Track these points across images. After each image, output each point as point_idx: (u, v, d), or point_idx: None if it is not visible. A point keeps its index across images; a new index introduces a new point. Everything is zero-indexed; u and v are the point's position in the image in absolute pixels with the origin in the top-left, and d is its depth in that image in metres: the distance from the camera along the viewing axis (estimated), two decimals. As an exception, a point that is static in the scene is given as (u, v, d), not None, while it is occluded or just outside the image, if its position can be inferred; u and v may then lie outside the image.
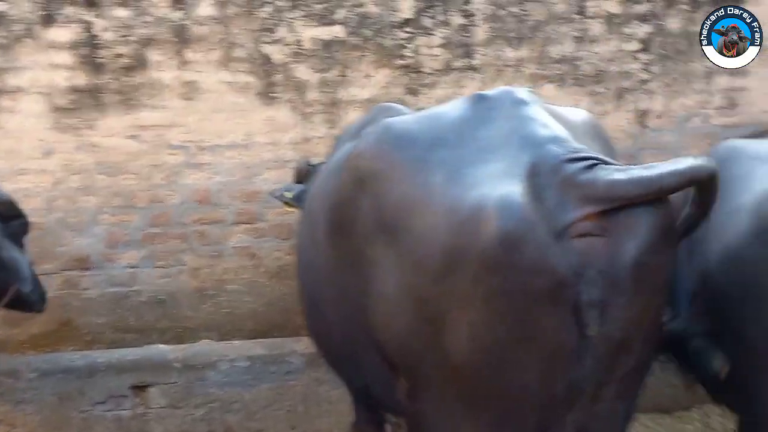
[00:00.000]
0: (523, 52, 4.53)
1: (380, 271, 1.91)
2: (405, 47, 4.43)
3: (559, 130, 1.80)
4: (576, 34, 4.56)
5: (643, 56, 4.64)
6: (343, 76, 4.40)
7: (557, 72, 4.58)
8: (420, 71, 4.46)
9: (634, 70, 4.65)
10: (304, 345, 3.80)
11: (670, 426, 4.39)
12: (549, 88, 4.55)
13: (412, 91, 4.45)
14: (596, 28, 4.58)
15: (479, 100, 1.95)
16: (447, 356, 1.76)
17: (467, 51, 4.49)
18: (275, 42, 4.33)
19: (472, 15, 4.46)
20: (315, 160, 3.44)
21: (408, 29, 4.43)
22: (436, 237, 1.75)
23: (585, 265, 1.61)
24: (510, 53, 4.52)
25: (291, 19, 4.31)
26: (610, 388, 1.74)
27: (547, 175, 1.67)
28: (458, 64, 4.49)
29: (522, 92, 1.94)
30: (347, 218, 2.05)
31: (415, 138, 1.93)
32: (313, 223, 2.35)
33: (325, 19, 4.35)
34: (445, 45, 4.47)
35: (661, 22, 4.62)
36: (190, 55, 4.25)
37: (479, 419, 1.76)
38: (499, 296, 1.66)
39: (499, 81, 4.49)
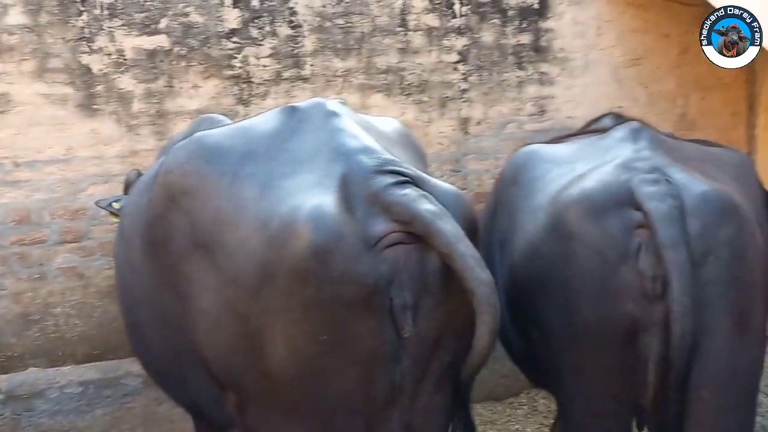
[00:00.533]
0: (351, 62, 4.67)
1: (197, 288, 1.93)
2: (233, 57, 4.42)
3: (369, 141, 1.90)
4: (399, 45, 4.77)
5: (462, 67, 4.94)
6: (169, 86, 4.31)
7: (384, 82, 4.76)
8: (250, 81, 4.47)
9: (454, 80, 4.93)
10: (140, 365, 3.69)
11: (502, 412, 4.72)
12: (377, 98, 4.73)
13: (244, 102, 4.45)
14: (418, 40, 4.81)
15: (290, 112, 2.01)
16: (268, 370, 1.80)
17: (296, 61, 4.55)
18: (94, 52, 4.16)
19: (299, 26, 4.54)
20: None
21: (235, 39, 4.42)
22: (250, 251, 1.78)
23: (395, 271, 1.72)
24: (338, 64, 4.64)
25: (111, 28, 4.16)
26: (428, 384, 1.85)
27: (358, 186, 1.76)
28: (288, 74, 4.54)
29: (333, 104, 2.02)
30: (161, 236, 2.04)
31: (226, 152, 1.95)
32: (128, 241, 2.31)
33: (147, 29, 4.24)
34: (274, 55, 4.50)
35: (476, 35, 4.94)
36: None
37: (306, 428, 1.82)
38: (314, 308, 1.72)
39: (330, 91, 4.61)
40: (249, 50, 4.45)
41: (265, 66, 4.49)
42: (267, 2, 4.45)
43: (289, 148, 1.91)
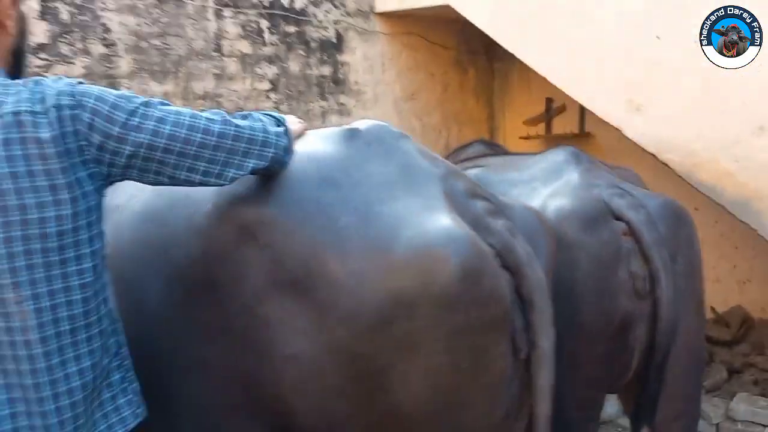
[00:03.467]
0: (168, 86, 4.37)
1: (282, 333, 1.67)
2: (42, 76, 3.82)
3: (450, 164, 1.93)
4: (216, 71, 4.61)
5: (273, 95, 4.95)
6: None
7: (201, 108, 4.54)
8: (61, 104, 3.90)
9: (267, 108, 4.91)
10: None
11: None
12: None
13: (54, 127, 3.86)
14: (233, 66, 4.70)
15: (353, 134, 1.91)
16: (391, 410, 1.68)
17: (112, 83, 4.11)
18: None
19: (114, 44, 4.11)
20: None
21: (44, 56, 3.83)
22: (369, 283, 1.61)
23: (512, 292, 1.77)
24: (155, 87, 4.31)
25: None
26: (526, 408, 1.86)
27: (460, 208, 1.77)
28: (103, 97, 4.07)
29: (392, 126, 1.98)
30: (224, 276, 1.73)
31: (299, 178, 1.73)
32: (134, 289, 1.92)
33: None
34: (88, 75, 4.01)
35: (284, 65, 5.00)
36: None
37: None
38: (459, 334, 1.64)
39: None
40: (59, 68, 3.89)
41: (77, 87, 3.96)
42: (78, 16, 3.95)
43: (370, 171, 1.79)
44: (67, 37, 3.92)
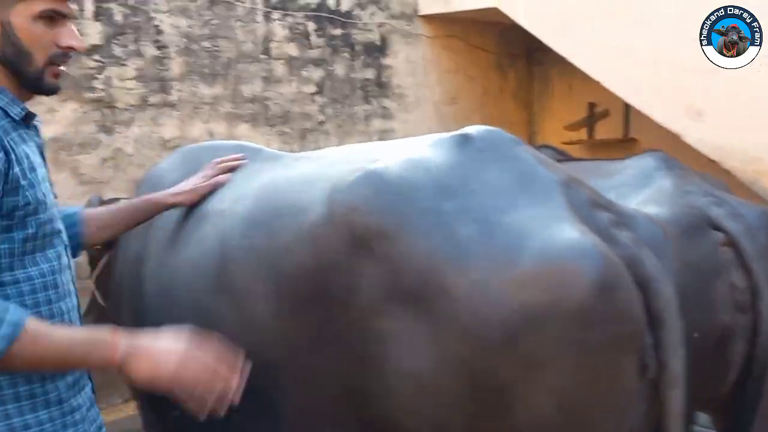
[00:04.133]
0: (218, 89, 4.32)
1: (398, 347, 1.59)
2: (95, 78, 3.78)
3: (563, 170, 1.84)
4: (263, 74, 4.56)
5: (318, 98, 4.89)
6: (18, 109, 3.51)
7: (249, 111, 4.50)
8: (114, 106, 3.86)
9: (313, 112, 4.86)
10: None
11: None
12: (243, 128, 4.45)
13: (107, 130, 3.81)
14: (280, 69, 4.65)
15: (464, 140, 1.82)
16: (514, 427, 1.62)
17: (163, 85, 4.06)
18: None
19: (165, 47, 4.07)
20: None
21: (97, 57, 3.79)
22: (494, 296, 1.52)
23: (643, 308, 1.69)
24: (205, 90, 4.26)
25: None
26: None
27: (585, 219, 1.69)
28: (154, 99, 4.03)
29: (504, 131, 1.88)
30: (337, 288, 1.65)
31: (416, 187, 1.64)
32: (239, 293, 1.86)
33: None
34: (140, 77, 3.96)
35: (330, 68, 4.94)
36: None
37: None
38: (592, 351, 1.55)
39: (197, 119, 4.20)
40: (112, 70, 3.84)
41: (130, 89, 3.92)
42: (132, 17, 3.91)
43: (486, 179, 1.72)
44: (120, 38, 3.88)
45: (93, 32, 3.75)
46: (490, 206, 1.65)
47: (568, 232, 1.59)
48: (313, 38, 4.82)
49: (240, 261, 1.85)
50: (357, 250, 1.63)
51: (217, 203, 2.03)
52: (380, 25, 5.24)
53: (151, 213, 2.05)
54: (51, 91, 1.55)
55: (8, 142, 1.43)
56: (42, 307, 1.49)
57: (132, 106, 3.93)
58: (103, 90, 3.81)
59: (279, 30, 4.62)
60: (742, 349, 2.31)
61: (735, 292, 2.26)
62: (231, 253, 1.87)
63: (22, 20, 1.47)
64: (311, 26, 4.80)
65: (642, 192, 2.48)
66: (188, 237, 2.07)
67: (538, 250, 1.56)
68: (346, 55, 5.04)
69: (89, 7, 3.73)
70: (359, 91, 5.15)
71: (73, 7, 1.51)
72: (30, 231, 1.47)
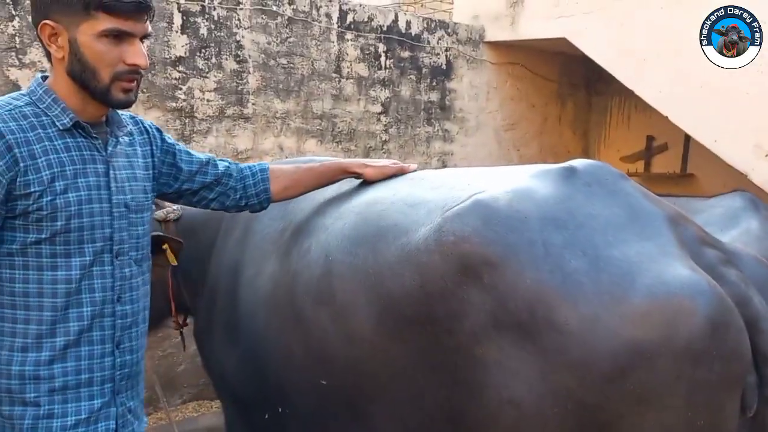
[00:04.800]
0: (290, 104, 4.45)
1: (500, 376, 1.63)
2: (178, 88, 3.93)
3: (669, 205, 1.85)
4: (333, 92, 4.67)
5: (384, 118, 4.99)
6: (106, 115, 3.67)
7: (318, 128, 4.61)
8: (193, 116, 4.00)
9: (377, 131, 4.96)
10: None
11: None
12: (311, 143, 4.56)
13: (186, 138, 3.96)
14: (349, 88, 4.76)
15: (571, 173, 1.85)
16: None
17: (240, 98, 4.20)
18: (25, 66, 3.39)
19: (245, 61, 4.21)
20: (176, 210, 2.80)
21: (181, 68, 3.94)
22: (602, 331, 1.55)
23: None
24: (278, 105, 4.39)
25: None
26: None
27: (694, 255, 1.69)
28: (231, 111, 4.17)
29: (610, 166, 1.91)
30: (442, 314, 1.68)
31: (524, 218, 1.67)
32: (340, 310, 1.92)
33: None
34: (218, 89, 4.11)
35: (397, 89, 5.04)
36: None
37: None
38: (700, 390, 1.57)
39: (268, 132, 4.33)
40: (194, 82, 3.99)
41: (209, 101, 4.06)
42: (215, 32, 4.06)
43: (593, 213, 1.73)
44: (204, 51, 4.03)
45: (179, 45, 3.91)
46: (599, 240, 1.67)
47: (679, 269, 1.61)
48: (383, 59, 4.93)
49: (344, 276, 1.91)
50: (465, 279, 1.67)
51: (319, 218, 2.11)
52: (447, 49, 5.34)
53: (335, 177, 2.14)
54: (121, 104, 1.60)
55: (26, 152, 1.49)
56: (45, 312, 1.56)
57: (210, 116, 4.07)
58: (184, 100, 3.96)
59: (351, 50, 4.74)
60: None
61: None
62: (336, 267, 1.94)
63: (86, 38, 1.52)
64: (381, 48, 4.91)
65: (729, 232, 2.51)
66: (290, 248, 2.15)
67: (649, 285, 1.58)
68: (412, 77, 5.14)
69: (177, 20, 3.89)
70: (423, 113, 5.24)
71: (143, 26, 1.54)
72: (43, 235, 1.53)
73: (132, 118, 1.81)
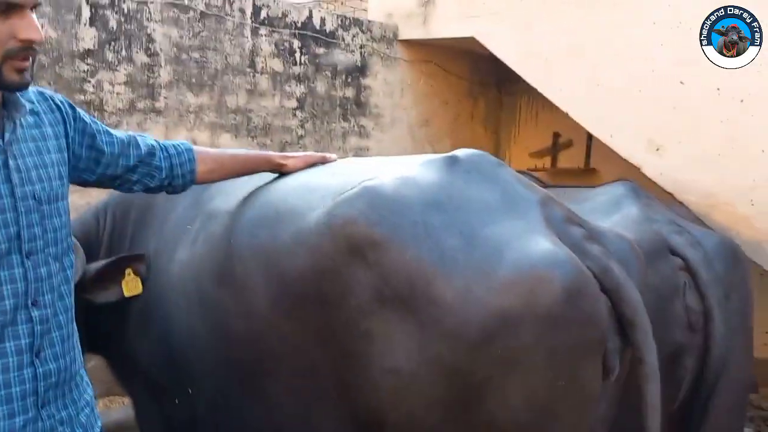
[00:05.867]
0: (204, 98, 4.44)
1: (383, 347, 1.76)
2: (87, 81, 3.88)
3: (541, 190, 2.02)
4: (248, 86, 4.69)
5: (299, 114, 5.04)
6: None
7: (233, 122, 4.62)
8: (103, 109, 3.95)
9: (292, 126, 5.00)
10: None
11: None
12: (226, 138, 4.57)
13: (94, 132, 3.90)
14: (264, 83, 4.79)
15: (452, 161, 1.99)
16: (486, 421, 1.74)
17: (151, 92, 4.17)
18: None
19: (156, 54, 4.18)
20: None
21: (90, 61, 3.89)
22: (473, 302, 1.70)
23: (609, 315, 1.84)
24: (191, 99, 4.38)
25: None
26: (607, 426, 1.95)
27: (559, 234, 1.86)
28: (142, 105, 4.14)
29: (489, 155, 2.06)
30: (331, 291, 1.81)
31: (406, 201, 1.83)
32: (243, 288, 2.00)
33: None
34: (129, 83, 4.07)
35: (312, 84, 5.10)
36: None
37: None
38: (559, 353, 1.73)
39: (181, 126, 4.32)
40: (103, 74, 3.94)
41: (119, 94, 4.02)
42: (125, 25, 4.02)
43: (471, 197, 1.88)
44: (113, 44, 3.98)
45: (87, 37, 3.85)
46: (474, 220, 1.84)
47: (541, 244, 1.79)
48: (297, 55, 4.98)
49: (244, 257, 2.02)
50: (351, 258, 1.81)
51: (226, 204, 2.18)
52: (362, 46, 5.43)
53: (259, 167, 2.15)
54: (15, 86, 1.43)
55: None
56: None
57: (120, 110, 4.02)
58: (93, 93, 3.90)
59: (265, 46, 4.77)
60: (692, 365, 2.53)
61: (689, 313, 2.49)
62: (237, 250, 2.04)
63: None
64: (296, 43, 4.96)
65: (611, 218, 2.70)
66: (198, 234, 2.21)
67: (515, 259, 1.75)
68: (327, 73, 5.21)
69: (85, 12, 3.83)
70: (339, 109, 5.32)
71: None
72: None
73: (41, 93, 1.63)
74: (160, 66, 4.20)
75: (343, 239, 1.82)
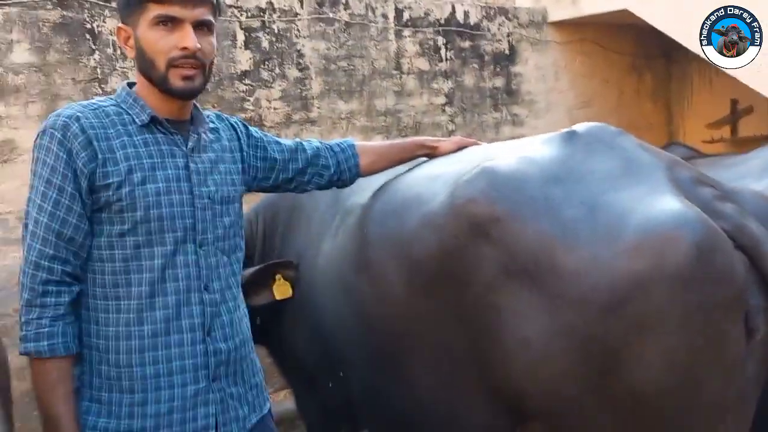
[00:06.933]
0: (354, 104, 4.67)
1: (513, 320, 1.79)
2: (246, 99, 4.25)
3: (668, 155, 1.93)
4: (395, 88, 4.85)
5: (448, 109, 5.12)
6: (182, 130, 4.03)
7: (383, 124, 4.81)
8: (262, 124, 4.31)
9: (442, 122, 5.09)
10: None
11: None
12: (378, 140, 4.76)
13: (256, 145, 4.26)
14: (411, 83, 4.93)
15: (570, 137, 1.97)
16: (625, 389, 1.71)
17: (305, 104, 4.47)
18: (107, 94, 3.81)
19: (306, 68, 4.48)
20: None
21: (247, 81, 4.26)
22: (600, 268, 1.68)
23: (748, 272, 1.72)
24: (342, 106, 4.62)
25: (124, 68, 3.84)
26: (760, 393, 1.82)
27: (688, 195, 1.76)
28: (297, 117, 4.45)
29: (609, 125, 2.02)
30: (459, 269, 1.88)
31: (525, 178, 1.85)
32: (378, 274, 2.13)
33: (160, 70, 3.96)
34: (284, 98, 4.39)
35: (459, 79, 5.15)
36: (2, 108, 3.53)
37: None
38: (694, 313, 1.66)
39: (335, 133, 4.57)
40: (260, 92, 4.30)
41: (276, 109, 4.36)
42: (276, 44, 4.35)
43: (592, 168, 1.84)
44: (267, 63, 4.33)
45: (243, 59, 4.23)
46: (594, 190, 1.82)
47: (666, 204, 1.73)
48: (443, 51, 5.06)
49: (376, 245, 2.15)
50: (475, 236, 1.86)
51: (360, 198, 2.34)
52: (509, 34, 5.39)
53: (415, 151, 2.29)
54: (180, 93, 1.63)
55: (105, 146, 1.59)
56: (132, 300, 1.63)
57: (278, 123, 4.36)
58: (252, 110, 4.27)
59: (410, 46, 4.91)
60: None
61: None
62: (370, 238, 2.18)
63: (142, 30, 1.61)
64: (440, 41, 5.04)
65: (762, 181, 2.49)
66: (338, 228, 2.40)
67: (639, 222, 1.70)
68: (474, 65, 5.23)
69: (240, 37, 4.21)
70: (489, 100, 5.32)
71: (193, 12, 1.59)
72: (126, 226, 1.60)
73: (218, 115, 1.90)
74: (311, 78, 4.48)
75: (466, 218, 1.88)
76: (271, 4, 4.33)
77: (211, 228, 1.72)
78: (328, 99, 4.56)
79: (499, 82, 5.37)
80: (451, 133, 5.13)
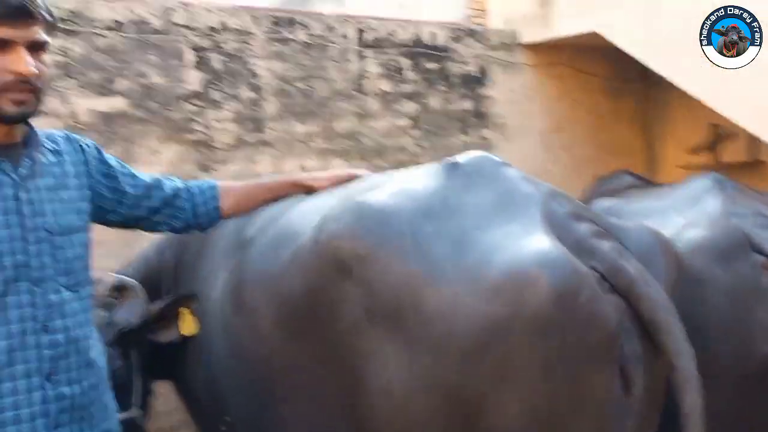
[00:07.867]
0: (312, 126, 4.56)
1: (377, 365, 1.66)
2: (195, 121, 4.15)
3: (551, 187, 1.83)
4: (357, 110, 4.74)
5: (413, 132, 5.00)
6: (126, 151, 3.93)
7: (343, 147, 4.69)
8: (212, 146, 4.21)
9: (407, 145, 4.97)
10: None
11: None
12: (337, 163, 4.64)
13: (204, 168, 4.16)
14: (373, 105, 4.82)
15: (452, 168, 1.88)
16: None
17: (258, 126, 4.37)
18: (45, 115, 3.72)
19: (260, 89, 4.38)
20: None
21: (197, 102, 4.16)
22: (462, 311, 1.57)
23: (622, 317, 1.62)
24: (299, 128, 4.51)
25: (63, 88, 3.76)
26: None
27: (560, 231, 1.67)
28: (250, 138, 4.34)
29: (493, 156, 1.93)
30: (324, 309, 1.76)
31: (394, 213, 1.74)
32: (252, 311, 2.00)
33: (104, 90, 3.88)
34: (236, 120, 4.29)
35: (425, 101, 5.04)
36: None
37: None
38: (555, 360, 1.55)
39: (291, 156, 4.46)
40: (211, 113, 4.20)
41: (227, 130, 4.25)
42: (229, 64, 4.26)
43: (467, 201, 1.76)
44: (218, 84, 4.23)
45: (192, 79, 4.14)
46: (466, 225, 1.71)
47: (532, 244, 1.60)
48: (407, 73, 4.95)
49: (252, 282, 2.04)
50: (339, 274, 1.74)
51: (249, 231, 2.23)
52: (477, 56, 5.27)
53: (287, 191, 2.14)
54: (12, 118, 1.53)
55: None
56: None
57: (229, 145, 4.26)
58: (202, 132, 4.17)
59: (373, 67, 4.80)
60: None
61: None
62: (247, 275, 2.08)
63: None
64: (405, 62, 4.93)
65: (687, 214, 2.36)
66: (229, 261, 2.27)
67: (502, 262, 1.60)
68: (442, 87, 5.12)
69: (189, 56, 4.13)
70: (456, 123, 5.19)
71: (27, 33, 1.50)
72: None
73: (67, 136, 1.77)
74: (265, 100, 4.38)
75: (331, 255, 1.77)
76: (224, 24, 4.24)
77: (50, 262, 1.59)
78: (284, 121, 4.45)
79: (467, 104, 5.25)
80: (416, 156, 5.00)
